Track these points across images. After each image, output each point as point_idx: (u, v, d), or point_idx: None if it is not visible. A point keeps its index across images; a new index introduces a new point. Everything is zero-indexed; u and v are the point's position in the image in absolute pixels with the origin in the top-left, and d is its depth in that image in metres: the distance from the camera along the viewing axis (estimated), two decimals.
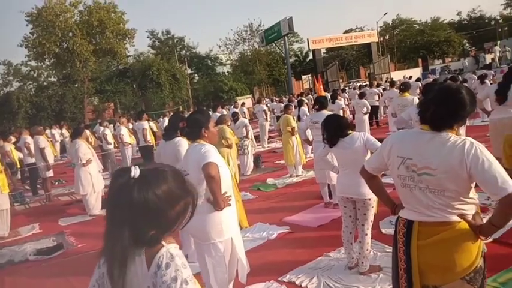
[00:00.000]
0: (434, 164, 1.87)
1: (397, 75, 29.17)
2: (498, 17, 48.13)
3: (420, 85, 14.85)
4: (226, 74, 49.33)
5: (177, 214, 1.22)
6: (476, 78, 13.02)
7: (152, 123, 15.95)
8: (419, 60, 35.97)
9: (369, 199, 3.33)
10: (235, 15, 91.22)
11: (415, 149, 1.96)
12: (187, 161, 2.93)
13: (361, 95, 11.44)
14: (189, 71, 46.49)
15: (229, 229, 2.87)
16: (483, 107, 6.33)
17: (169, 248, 1.21)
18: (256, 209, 6.22)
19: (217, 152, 2.87)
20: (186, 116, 4.04)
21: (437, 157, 1.87)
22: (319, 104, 6.04)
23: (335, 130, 3.49)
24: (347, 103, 15.47)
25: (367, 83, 25.83)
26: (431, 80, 16.97)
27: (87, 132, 10.57)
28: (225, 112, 16.19)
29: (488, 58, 30.59)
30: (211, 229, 2.79)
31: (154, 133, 12.21)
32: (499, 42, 33.02)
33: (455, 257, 1.88)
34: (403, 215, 2.06)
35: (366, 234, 3.39)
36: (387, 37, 46.67)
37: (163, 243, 1.22)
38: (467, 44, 48.40)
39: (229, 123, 7.57)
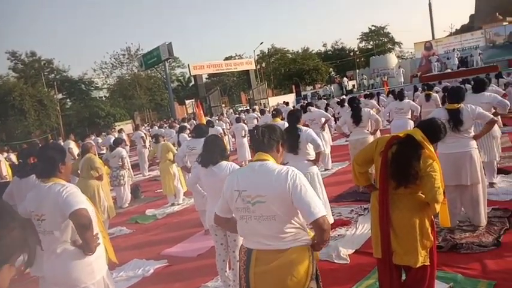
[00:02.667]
0: (264, 191, 2.04)
1: (274, 101, 31.20)
2: (356, 49, 55.36)
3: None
4: (103, 98, 46.55)
5: None
6: (337, 103, 14.60)
7: (12, 155, 14.09)
8: (293, 86, 39.07)
9: None
10: (111, 38, 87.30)
11: (248, 180, 2.12)
12: (41, 204, 2.52)
13: (238, 120, 11.81)
14: (59, 96, 42.54)
15: (100, 268, 2.62)
16: (342, 132, 7.15)
17: None
18: (133, 244, 5.83)
19: (79, 190, 2.59)
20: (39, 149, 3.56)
21: (266, 184, 2.05)
22: (198, 131, 5.96)
23: (214, 149, 3.44)
24: (229, 127, 15.84)
25: (248, 107, 27.00)
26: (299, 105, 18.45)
27: None
28: (100, 140, 15.17)
29: (350, 85, 34.88)
30: (81, 272, 2.50)
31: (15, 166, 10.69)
32: (357, 71, 37.73)
33: (287, 283, 2.03)
34: (244, 244, 2.20)
35: (238, 261, 3.39)
36: (264, 65, 49.72)
37: None
38: (333, 72, 54.27)
39: (95, 151, 7.02)
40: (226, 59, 46.53)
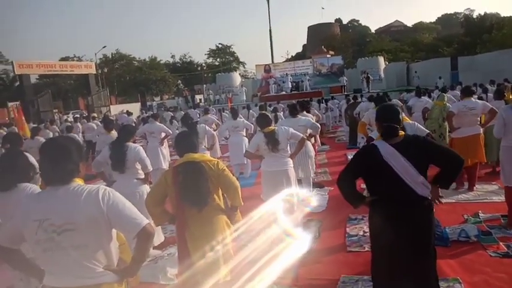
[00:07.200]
0: (74, 217, 1.82)
1: (118, 109, 29.44)
2: (204, 64, 56.83)
3: (135, 121, 15.32)
4: None
5: None
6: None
7: None
8: (139, 95, 37.69)
9: None
10: None
11: (51, 206, 1.84)
12: None
13: (69, 129, 10.48)
14: None
15: None
16: None
17: None
18: None
19: None
20: None
21: (75, 209, 1.82)
22: (10, 142, 5.00)
23: (8, 170, 2.90)
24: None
25: (87, 114, 24.76)
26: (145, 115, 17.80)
27: None
28: None
29: (197, 98, 35.50)
30: None
31: None
32: (204, 85, 38.64)
33: None
34: (51, 283, 1.88)
35: None
36: (106, 70, 46.62)
37: None
38: (181, 84, 54.41)
39: None
40: (63, 59, 41.96)
